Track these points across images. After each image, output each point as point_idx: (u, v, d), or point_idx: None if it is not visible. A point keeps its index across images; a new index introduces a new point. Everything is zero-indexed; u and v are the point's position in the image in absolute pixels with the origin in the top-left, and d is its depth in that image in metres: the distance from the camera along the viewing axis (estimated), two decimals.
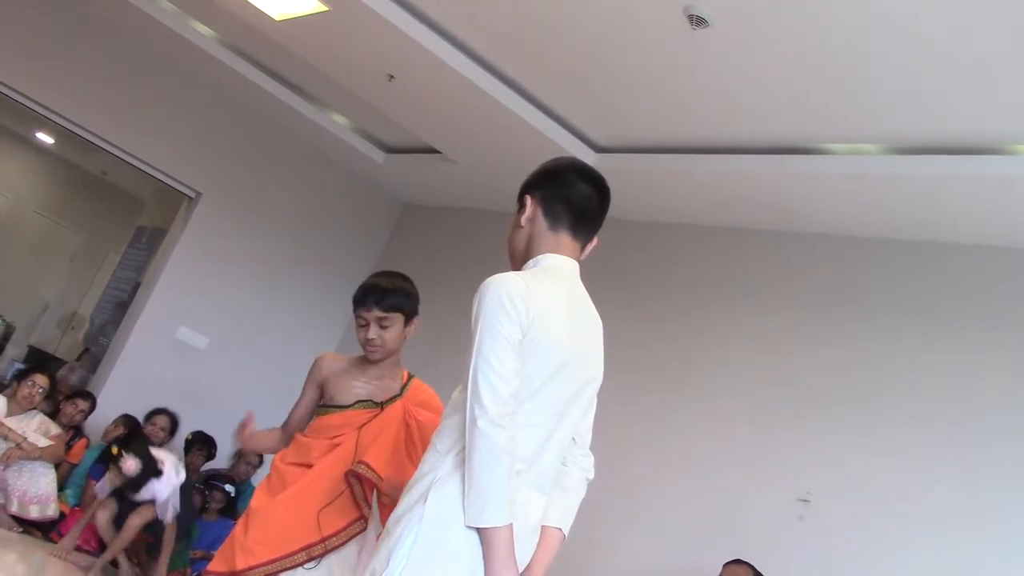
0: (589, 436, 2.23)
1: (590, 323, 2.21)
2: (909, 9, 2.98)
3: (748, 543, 4.14)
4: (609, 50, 3.94)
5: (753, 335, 4.69)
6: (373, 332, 2.88)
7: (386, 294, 2.90)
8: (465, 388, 1.98)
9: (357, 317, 2.92)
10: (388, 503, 2.80)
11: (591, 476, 2.24)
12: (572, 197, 2.18)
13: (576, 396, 2.12)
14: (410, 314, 2.96)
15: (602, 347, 2.24)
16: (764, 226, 4.88)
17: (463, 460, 1.94)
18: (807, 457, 4.21)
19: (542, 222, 2.18)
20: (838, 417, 4.19)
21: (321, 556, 2.76)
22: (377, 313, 2.88)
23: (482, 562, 1.91)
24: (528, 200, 2.20)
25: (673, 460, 4.69)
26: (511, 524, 1.92)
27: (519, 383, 1.96)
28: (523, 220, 2.20)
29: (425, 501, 1.94)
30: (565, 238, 2.18)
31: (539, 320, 2.00)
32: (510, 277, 2.05)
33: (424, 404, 2.97)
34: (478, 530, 1.90)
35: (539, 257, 2.16)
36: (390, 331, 2.90)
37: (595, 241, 2.26)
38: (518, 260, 2.23)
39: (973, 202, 3.84)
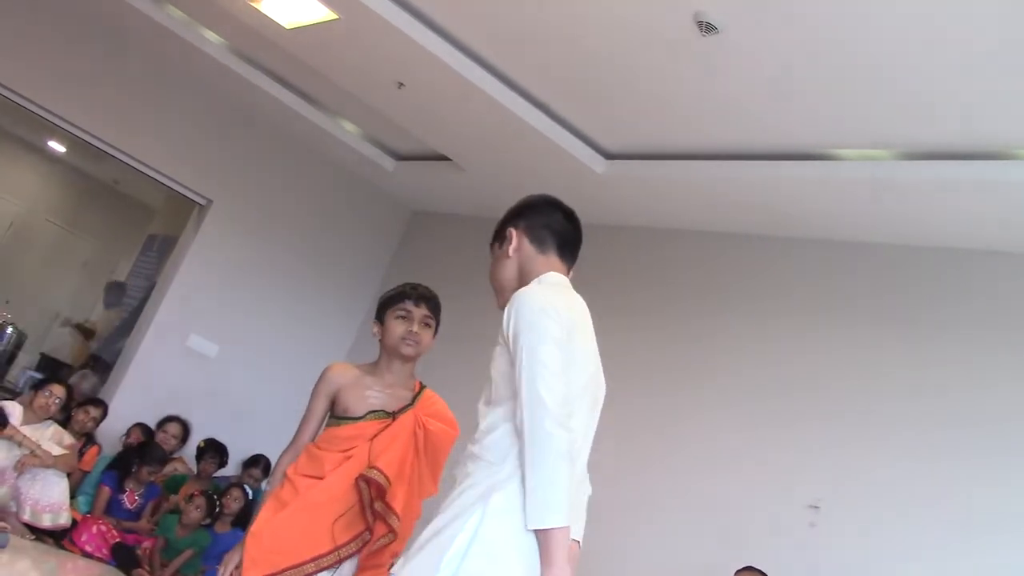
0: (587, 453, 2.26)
1: (594, 341, 2.26)
2: (917, 15, 2.98)
3: (759, 550, 4.12)
4: (619, 57, 3.94)
5: (763, 341, 4.68)
6: (417, 326, 2.94)
7: (433, 299, 3.03)
8: (496, 400, 2.02)
9: (397, 310, 2.96)
10: (381, 511, 2.79)
11: (590, 492, 2.27)
12: (554, 224, 2.30)
13: (593, 407, 2.18)
14: (437, 328, 3.06)
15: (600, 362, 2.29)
16: (774, 232, 4.87)
17: (519, 467, 1.95)
18: (817, 464, 4.20)
19: (530, 248, 2.27)
20: (848, 424, 4.18)
21: (331, 567, 2.76)
22: (424, 311, 2.97)
23: (537, 567, 1.92)
24: (512, 232, 2.29)
25: (682, 467, 4.68)
26: (569, 527, 1.93)
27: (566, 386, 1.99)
28: (510, 251, 2.28)
29: (486, 503, 1.95)
30: (555, 260, 2.27)
31: (572, 329, 2.06)
32: (540, 289, 2.13)
33: (435, 415, 2.97)
34: (536, 533, 1.91)
35: (540, 276, 2.22)
36: (427, 333, 2.99)
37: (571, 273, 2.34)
38: (508, 291, 2.24)
39: (983, 207, 3.82)
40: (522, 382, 1.96)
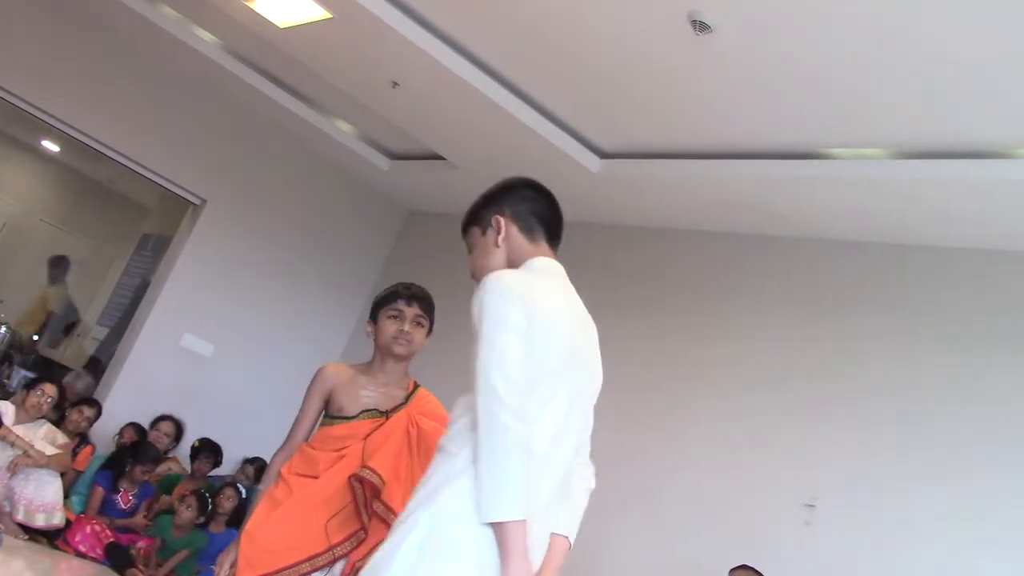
0: (588, 446, 2.19)
1: (588, 327, 2.20)
2: (912, 14, 2.98)
3: (754, 549, 4.13)
4: (613, 56, 3.95)
5: (758, 340, 4.69)
6: (408, 326, 2.95)
7: (425, 299, 3.03)
8: (466, 391, 1.95)
9: (390, 310, 2.97)
10: (380, 511, 2.79)
11: (592, 486, 2.20)
12: (540, 210, 2.22)
13: (579, 396, 2.09)
14: (431, 328, 3.05)
15: (599, 354, 2.22)
16: (767, 231, 4.88)
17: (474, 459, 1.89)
18: (813, 462, 4.20)
19: (520, 238, 2.19)
20: (844, 422, 4.18)
21: (326, 566, 2.76)
22: (416, 310, 2.98)
23: (493, 562, 1.85)
24: (499, 220, 2.19)
25: (677, 465, 4.68)
26: (526, 520, 1.86)
27: (526, 375, 1.92)
28: (499, 240, 2.19)
29: (435, 499, 1.89)
30: (544, 247, 2.21)
31: (542, 311, 1.98)
32: (509, 272, 2.06)
33: (429, 414, 2.97)
34: (492, 527, 1.84)
35: (528, 261, 2.16)
36: (419, 332, 2.99)
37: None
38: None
39: (977, 206, 3.83)
40: (478, 372, 1.89)
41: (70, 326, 9.10)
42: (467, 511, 1.86)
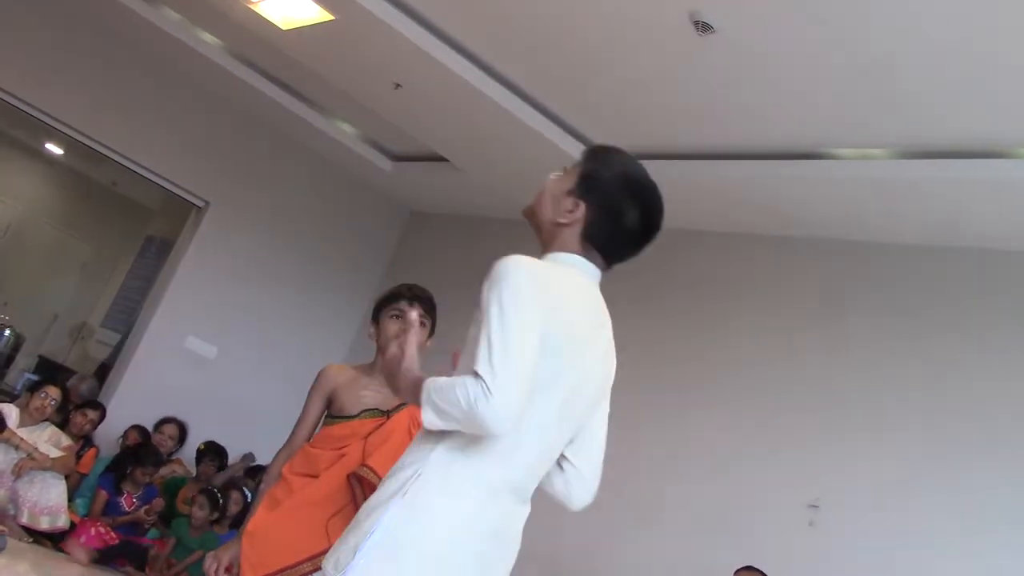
0: (596, 455, 2.00)
1: (607, 338, 1.99)
2: (914, 13, 2.98)
3: (758, 550, 4.12)
4: (615, 57, 3.94)
5: (761, 340, 4.68)
6: None
7: (427, 300, 3.01)
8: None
9: (391, 310, 2.96)
10: None
11: (574, 505, 1.99)
12: (618, 236, 1.99)
13: (573, 402, 1.89)
14: (433, 329, 3.03)
15: (613, 371, 2.01)
16: (769, 231, 4.87)
17: (451, 449, 1.76)
18: (816, 463, 4.20)
19: (578, 230, 1.95)
20: (848, 422, 4.18)
21: None
22: (418, 311, 2.94)
23: (457, 566, 1.74)
24: (584, 204, 1.94)
25: (682, 466, 4.68)
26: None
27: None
28: (568, 204, 1.95)
29: (403, 495, 1.74)
30: (593, 253, 1.97)
31: (559, 307, 1.81)
32: (530, 258, 1.84)
33: None
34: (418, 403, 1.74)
35: (560, 254, 1.95)
36: (421, 332, 2.95)
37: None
38: (540, 224, 2.01)
39: (980, 206, 3.83)
40: (480, 351, 1.69)
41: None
42: (434, 514, 1.74)
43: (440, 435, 1.79)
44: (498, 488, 1.80)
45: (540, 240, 2.03)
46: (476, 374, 1.67)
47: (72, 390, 6.39)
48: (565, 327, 1.82)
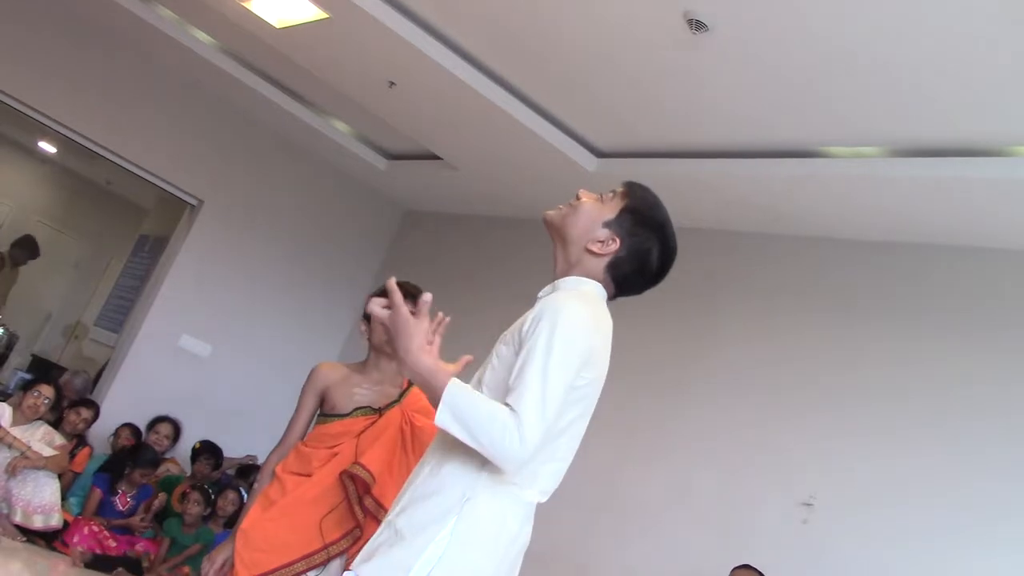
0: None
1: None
2: (909, 11, 2.98)
3: (753, 547, 4.13)
4: (610, 55, 3.95)
5: (755, 339, 4.69)
6: None
7: (419, 295, 2.96)
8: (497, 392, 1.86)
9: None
10: (371, 508, 2.78)
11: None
12: (638, 278, 2.10)
13: (587, 418, 2.01)
14: None
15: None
16: (765, 229, 4.88)
17: (494, 471, 1.83)
18: (811, 461, 4.20)
19: (606, 261, 2.05)
20: (842, 420, 4.18)
21: (321, 564, 2.76)
22: (411, 308, 2.93)
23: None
24: (618, 241, 2.04)
25: (676, 464, 4.68)
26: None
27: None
28: (603, 236, 2.04)
29: (459, 515, 1.82)
30: (609, 286, 2.07)
31: (595, 359, 1.92)
32: (588, 312, 1.93)
33: (423, 411, 2.96)
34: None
35: (585, 280, 2.04)
36: None
37: None
38: (566, 241, 2.07)
39: (974, 204, 3.83)
40: (524, 384, 1.78)
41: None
42: (486, 539, 1.83)
43: (480, 456, 1.83)
44: (531, 508, 1.95)
45: (558, 249, 2.11)
46: (511, 409, 1.77)
47: (65, 385, 6.37)
48: (599, 367, 1.95)
